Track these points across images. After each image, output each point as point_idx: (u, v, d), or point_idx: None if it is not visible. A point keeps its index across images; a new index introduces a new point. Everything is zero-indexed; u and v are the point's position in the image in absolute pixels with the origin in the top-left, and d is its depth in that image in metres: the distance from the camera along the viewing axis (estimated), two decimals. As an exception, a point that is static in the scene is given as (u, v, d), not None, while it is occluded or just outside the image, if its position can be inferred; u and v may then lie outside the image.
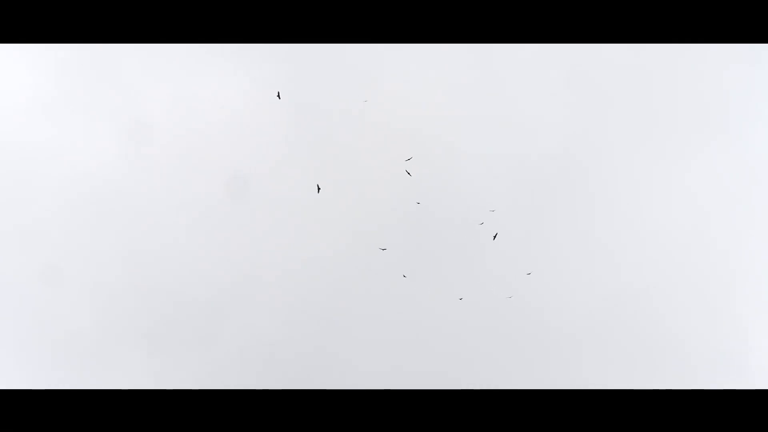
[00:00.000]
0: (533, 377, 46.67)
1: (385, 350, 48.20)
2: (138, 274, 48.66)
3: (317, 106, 49.35)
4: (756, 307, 47.93)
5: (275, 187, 49.08)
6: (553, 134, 49.21)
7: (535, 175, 48.97)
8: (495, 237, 45.90)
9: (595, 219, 49.08)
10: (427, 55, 49.30)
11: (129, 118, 49.22)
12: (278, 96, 45.95)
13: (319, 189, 45.28)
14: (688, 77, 48.95)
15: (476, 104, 49.54)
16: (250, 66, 49.24)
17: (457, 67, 49.61)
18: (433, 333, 48.38)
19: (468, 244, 48.35)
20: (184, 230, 49.14)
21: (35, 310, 47.75)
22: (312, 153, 49.28)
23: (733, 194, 48.99)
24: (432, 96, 49.54)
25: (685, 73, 49.01)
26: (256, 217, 49.24)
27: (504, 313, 47.65)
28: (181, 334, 48.11)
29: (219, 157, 49.23)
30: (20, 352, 47.05)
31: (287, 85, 49.38)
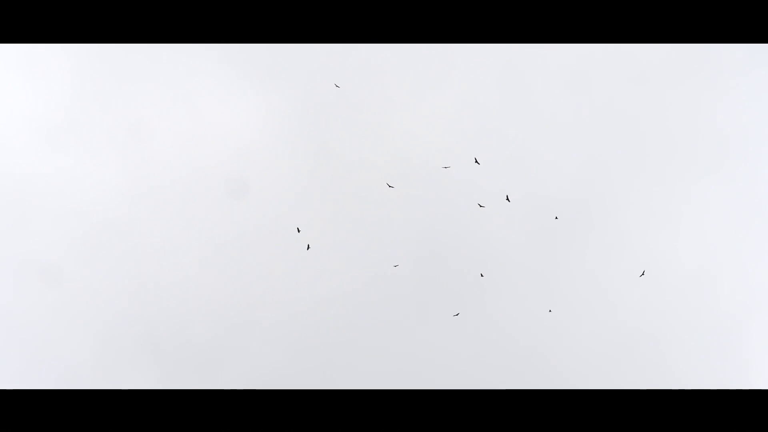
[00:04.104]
0: (531, 376, 46.91)
1: (384, 354, 48.44)
2: (139, 282, 48.58)
3: (324, 113, 49.40)
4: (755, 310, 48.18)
5: (284, 205, 49.11)
6: (553, 144, 49.28)
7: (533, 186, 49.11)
8: (507, 198, 46.35)
9: (595, 231, 49.29)
10: (423, 56, 49.34)
11: (130, 145, 48.92)
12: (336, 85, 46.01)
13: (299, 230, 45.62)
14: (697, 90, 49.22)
15: (467, 118, 49.61)
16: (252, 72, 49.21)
17: (445, 71, 49.58)
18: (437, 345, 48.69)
19: (466, 259, 48.67)
20: (186, 232, 49.06)
21: (35, 313, 47.72)
22: (328, 180, 49.36)
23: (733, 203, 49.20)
24: (427, 98, 49.58)
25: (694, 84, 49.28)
26: (260, 229, 49.28)
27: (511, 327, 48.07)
28: (181, 337, 48.11)
29: (220, 170, 49.11)
30: (20, 354, 47.04)
31: (288, 86, 49.38)
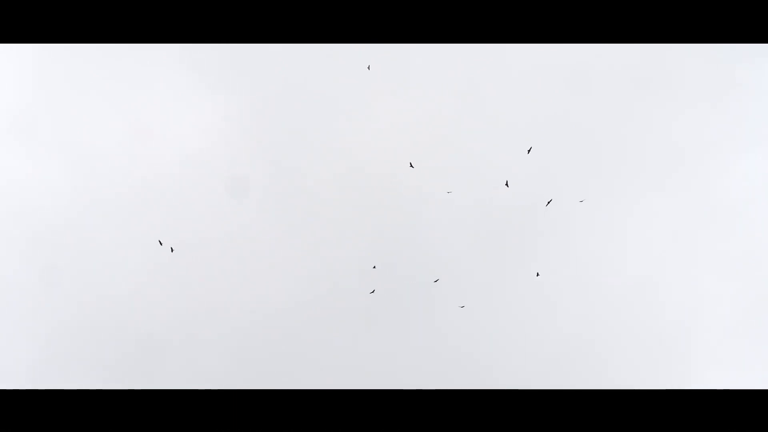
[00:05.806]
0: (472, 379, 47.50)
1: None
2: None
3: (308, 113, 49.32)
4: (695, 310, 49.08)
5: (239, 213, 48.96)
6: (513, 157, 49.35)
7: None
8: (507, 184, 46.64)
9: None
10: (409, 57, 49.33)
11: (78, 150, 48.35)
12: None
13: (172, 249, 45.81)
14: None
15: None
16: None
17: (402, 73, 49.49)
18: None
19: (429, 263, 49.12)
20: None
21: (29, 307, 47.69)
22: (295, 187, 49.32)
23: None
24: (384, 102, 49.57)
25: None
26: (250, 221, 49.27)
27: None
28: (171, 336, 48.18)
29: (172, 177, 48.76)
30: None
31: (283, 87, 49.29)
